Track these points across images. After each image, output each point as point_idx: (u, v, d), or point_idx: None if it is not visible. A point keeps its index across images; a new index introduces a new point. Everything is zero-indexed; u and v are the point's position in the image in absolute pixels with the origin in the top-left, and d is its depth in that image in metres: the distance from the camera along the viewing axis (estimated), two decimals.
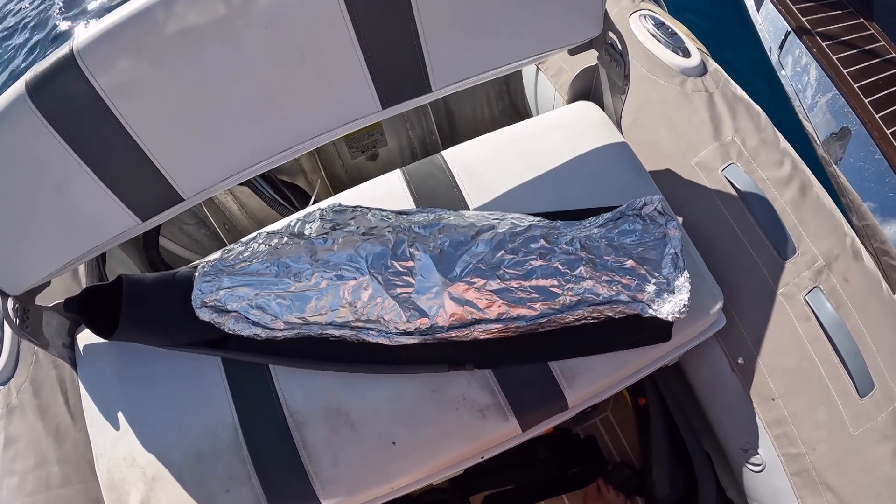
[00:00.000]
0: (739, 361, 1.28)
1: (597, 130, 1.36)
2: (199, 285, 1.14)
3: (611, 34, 1.25)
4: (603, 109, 1.42)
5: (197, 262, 1.21)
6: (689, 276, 1.11)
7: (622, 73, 1.28)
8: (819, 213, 1.37)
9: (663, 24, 1.60)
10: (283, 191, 1.80)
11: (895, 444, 1.19)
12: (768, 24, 2.88)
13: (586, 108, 1.42)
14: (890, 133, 2.43)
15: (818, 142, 2.62)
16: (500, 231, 1.11)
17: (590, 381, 1.15)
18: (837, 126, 2.56)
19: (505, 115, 2.13)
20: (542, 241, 1.10)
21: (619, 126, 1.40)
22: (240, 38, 0.98)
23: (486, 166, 1.32)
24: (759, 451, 1.27)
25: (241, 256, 1.15)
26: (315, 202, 1.29)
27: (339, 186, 1.35)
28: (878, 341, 1.26)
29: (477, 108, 2.13)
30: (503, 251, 1.09)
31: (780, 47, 2.83)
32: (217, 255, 1.19)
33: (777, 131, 1.49)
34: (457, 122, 2.18)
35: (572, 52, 1.28)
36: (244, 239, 1.19)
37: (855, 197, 2.38)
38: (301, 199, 1.85)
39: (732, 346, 1.30)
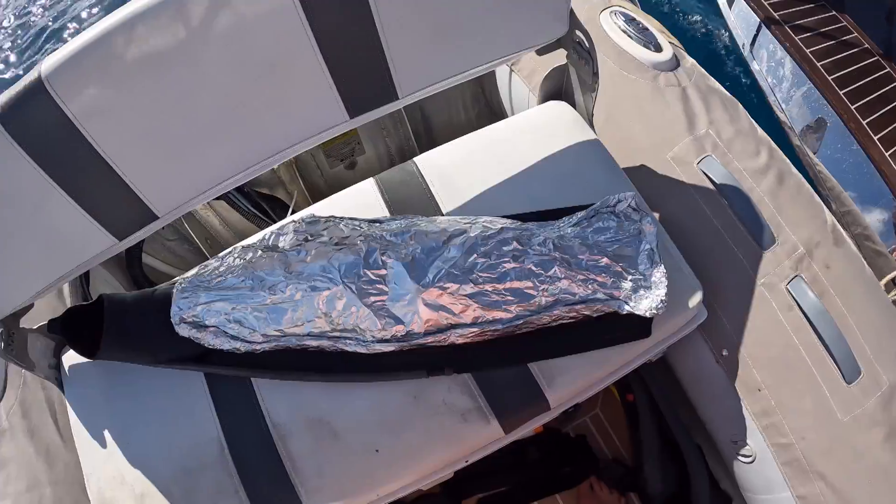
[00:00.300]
0: (724, 353, 1.23)
1: (569, 130, 1.30)
2: (177, 302, 1.09)
3: (578, 32, 1.18)
4: (575, 108, 1.36)
5: (176, 278, 1.15)
6: (665, 271, 1.05)
7: (591, 70, 1.22)
8: (798, 201, 1.31)
9: (634, 19, 1.54)
10: (261, 203, 1.74)
11: (885, 429, 1.14)
12: (740, 20, 2.81)
13: (558, 107, 1.36)
14: (866, 123, 2.35)
15: (795, 133, 2.53)
16: (472, 235, 1.05)
17: (570, 381, 1.10)
18: (813, 118, 2.48)
19: (482, 118, 2.07)
20: (515, 244, 1.04)
21: (591, 124, 1.33)
22: (202, 57, 0.95)
23: (459, 171, 1.26)
24: (749, 442, 1.22)
25: (216, 271, 1.10)
26: (294, 213, 1.23)
27: (318, 196, 1.30)
28: (864, 327, 1.20)
29: (453, 113, 2.07)
30: (475, 255, 1.03)
31: (753, 43, 2.75)
32: (194, 271, 1.14)
33: (753, 121, 1.42)
34: (434, 128, 2.12)
35: (540, 52, 1.22)
36: (221, 254, 1.14)
37: (835, 185, 2.30)
38: (280, 210, 1.79)
39: (716, 338, 1.25)
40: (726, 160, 1.34)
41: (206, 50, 0.94)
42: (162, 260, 1.77)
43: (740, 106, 1.45)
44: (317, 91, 1.05)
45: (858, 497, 1.10)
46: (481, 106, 2.00)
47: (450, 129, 2.08)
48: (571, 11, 1.18)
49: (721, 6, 2.92)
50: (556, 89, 1.45)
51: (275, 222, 1.26)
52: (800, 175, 1.37)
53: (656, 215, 1.28)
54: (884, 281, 1.51)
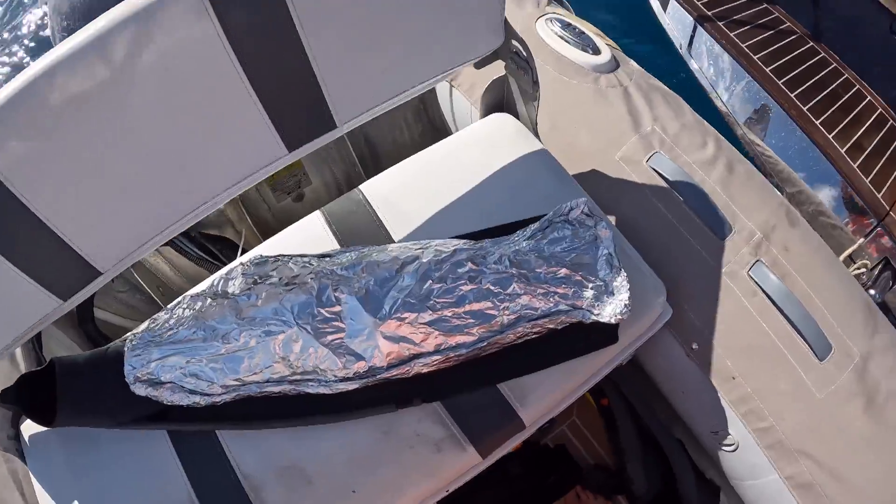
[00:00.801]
0: (694, 347, 1.15)
1: (513, 141, 1.21)
2: (129, 360, 0.98)
3: (514, 42, 1.10)
4: (518, 119, 1.27)
5: (127, 335, 1.04)
6: (626, 275, 0.96)
7: (531, 79, 1.14)
8: (749, 186, 1.24)
9: (570, 24, 1.46)
10: (207, 246, 1.61)
11: (863, 400, 1.07)
12: (675, 21, 2.76)
13: (500, 119, 1.27)
14: (807, 109, 2.30)
15: (739, 125, 2.48)
16: (425, 261, 0.96)
17: (542, 397, 1.01)
18: (755, 109, 2.43)
19: (426, 136, 1.94)
20: (470, 265, 0.95)
21: (535, 133, 1.24)
22: (128, 101, 0.84)
23: (406, 194, 1.17)
24: (730, 431, 1.14)
25: (167, 324, 0.99)
26: (244, 251, 1.12)
27: (268, 233, 1.20)
28: (829, 303, 1.14)
29: (396, 134, 1.93)
30: (430, 281, 0.94)
31: (690, 43, 2.70)
32: (144, 325, 1.03)
33: (696, 114, 1.34)
34: (378, 150, 1.99)
35: (478, 65, 1.14)
36: (170, 305, 1.03)
37: (784, 167, 2.24)
38: (230, 251, 1.66)
39: (684, 333, 1.17)
40: (674, 155, 1.26)
41: (131, 94, 0.84)
42: (114, 312, 1.63)
43: (682, 100, 1.38)
44: (252, 126, 0.95)
45: (846, 468, 1.04)
46: (424, 123, 1.88)
47: (395, 149, 1.96)
48: (506, 21, 1.10)
49: (654, 9, 2.87)
50: (497, 101, 1.36)
51: (225, 264, 1.15)
52: (748, 162, 1.30)
53: (612, 219, 1.20)
54: (841, 257, 1.45)
